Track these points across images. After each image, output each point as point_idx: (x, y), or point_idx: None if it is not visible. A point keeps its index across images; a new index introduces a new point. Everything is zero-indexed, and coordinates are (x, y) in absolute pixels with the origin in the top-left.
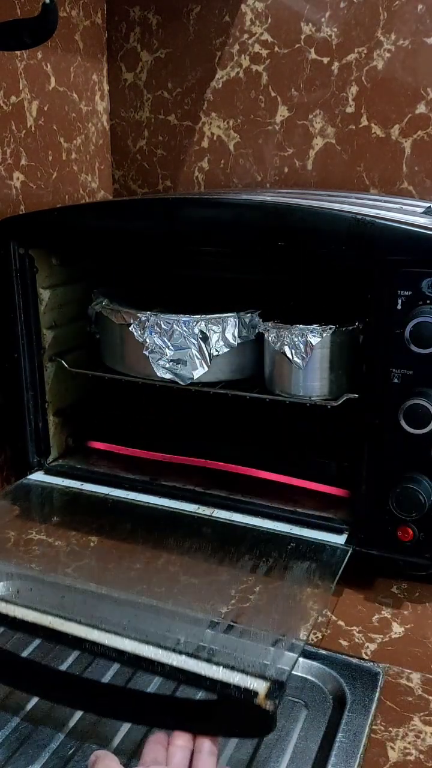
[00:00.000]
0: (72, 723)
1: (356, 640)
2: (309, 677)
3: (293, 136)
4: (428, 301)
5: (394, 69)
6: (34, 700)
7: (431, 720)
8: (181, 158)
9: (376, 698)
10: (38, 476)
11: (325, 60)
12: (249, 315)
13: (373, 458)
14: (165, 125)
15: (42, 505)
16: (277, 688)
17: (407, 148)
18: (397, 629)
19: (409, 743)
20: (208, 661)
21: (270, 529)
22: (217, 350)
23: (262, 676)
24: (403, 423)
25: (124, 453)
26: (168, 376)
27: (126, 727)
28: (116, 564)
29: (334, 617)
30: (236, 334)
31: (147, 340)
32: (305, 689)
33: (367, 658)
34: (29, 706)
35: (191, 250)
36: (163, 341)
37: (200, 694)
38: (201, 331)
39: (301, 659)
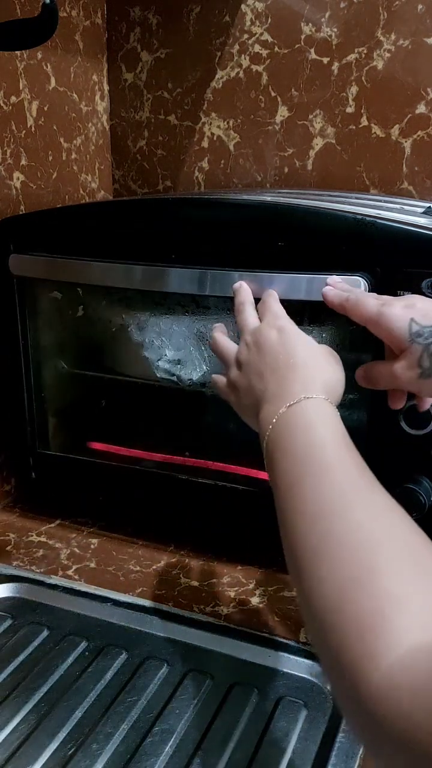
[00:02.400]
0: (73, 722)
1: None
2: (309, 677)
3: (293, 136)
4: None
5: (394, 69)
6: (35, 698)
7: None
8: (181, 158)
9: None
10: None
11: (325, 60)
12: None
13: (373, 458)
14: (165, 125)
15: None
16: None
17: (407, 148)
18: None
19: None
20: None
21: None
22: None
23: None
24: (403, 423)
25: (123, 454)
26: (167, 376)
27: (128, 726)
28: None
29: None
30: (236, 334)
31: (146, 340)
32: (305, 689)
33: None
34: (30, 706)
35: (191, 250)
36: (162, 341)
37: None
38: (200, 331)
39: (301, 659)
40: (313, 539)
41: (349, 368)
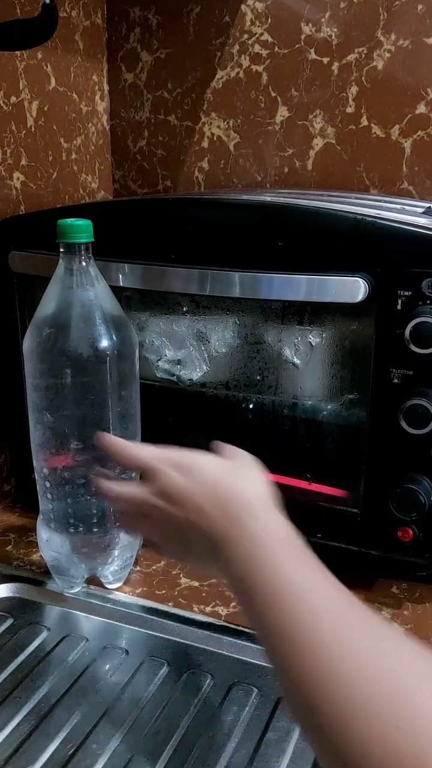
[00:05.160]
0: (73, 722)
1: None
2: None
3: (293, 136)
4: (428, 301)
5: (394, 69)
6: (35, 698)
7: None
8: (181, 158)
9: None
10: None
11: (325, 60)
12: (248, 315)
13: (373, 458)
14: (165, 125)
15: None
16: None
17: (407, 148)
18: (397, 629)
19: None
20: None
21: None
22: (216, 350)
23: None
24: (403, 423)
25: None
26: (167, 376)
27: (128, 726)
28: None
29: None
30: (236, 334)
31: (146, 340)
32: None
33: None
34: (30, 706)
35: (191, 250)
36: (163, 342)
37: None
38: (200, 332)
39: None
40: (329, 677)
41: (349, 368)
